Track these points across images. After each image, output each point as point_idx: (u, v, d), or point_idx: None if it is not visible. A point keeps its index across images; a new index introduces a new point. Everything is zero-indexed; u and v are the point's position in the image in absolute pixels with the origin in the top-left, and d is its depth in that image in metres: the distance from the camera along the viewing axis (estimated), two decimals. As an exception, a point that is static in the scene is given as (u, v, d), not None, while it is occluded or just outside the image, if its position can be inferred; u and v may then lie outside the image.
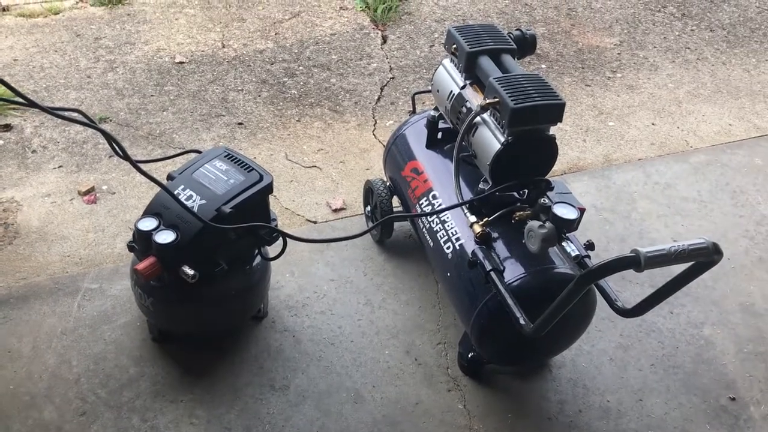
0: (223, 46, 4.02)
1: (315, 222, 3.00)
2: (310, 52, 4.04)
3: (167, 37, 4.05)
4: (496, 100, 2.14)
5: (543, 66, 4.12)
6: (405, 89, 3.82)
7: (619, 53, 4.31)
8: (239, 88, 3.71)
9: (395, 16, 4.37)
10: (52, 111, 1.89)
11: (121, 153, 1.95)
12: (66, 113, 2.00)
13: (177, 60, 3.87)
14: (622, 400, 2.44)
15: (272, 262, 2.45)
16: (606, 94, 3.97)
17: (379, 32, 4.26)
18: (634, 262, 1.66)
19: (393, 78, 3.91)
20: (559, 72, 4.09)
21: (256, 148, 3.35)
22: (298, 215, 3.03)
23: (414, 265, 2.83)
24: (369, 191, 2.88)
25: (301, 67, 3.91)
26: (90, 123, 2.00)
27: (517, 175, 2.23)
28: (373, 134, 3.51)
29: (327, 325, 2.57)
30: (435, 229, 2.44)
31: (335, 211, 3.06)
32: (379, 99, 3.75)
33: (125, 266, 2.67)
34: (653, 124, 3.77)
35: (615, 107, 3.87)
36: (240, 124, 3.48)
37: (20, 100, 1.82)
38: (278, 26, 4.23)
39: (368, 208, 2.91)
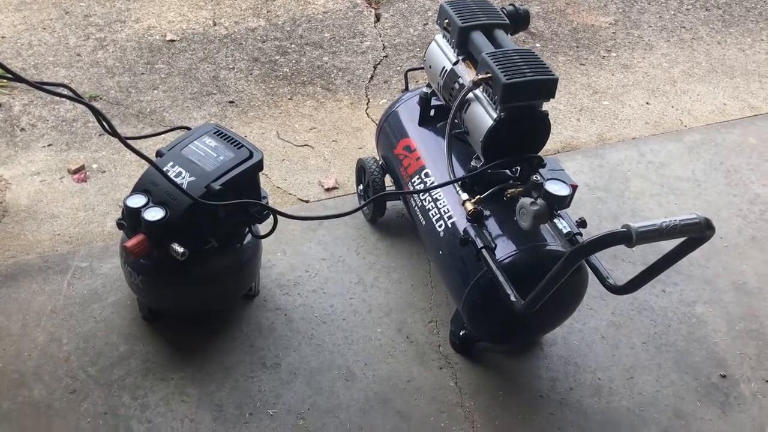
0: (215, 24, 3.98)
1: (307, 201, 2.99)
2: (302, 30, 4.00)
3: (158, 15, 4.00)
4: (489, 75, 2.12)
5: (537, 45, 4.09)
6: (398, 68, 3.79)
7: (614, 32, 4.28)
8: (230, 67, 3.67)
9: (389, -6, 4.32)
10: (39, 86, 1.87)
11: (109, 129, 1.93)
12: (53, 88, 1.97)
13: (168, 38, 3.82)
14: (613, 378, 2.44)
15: (264, 241, 2.44)
16: (600, 73, 3.94)
17: (372, 10, 4.22)
18: (625, 237, 1.64)
19: (386, 56, 3.87)
20: (553, 51, 4.06)
21: (248, 126, 3.32)
22: (290, 194, 3.01)
23: (406, 244, 2.81)
24: (361, 170, 2.86)
25: (293, 45, 3.88)
26: (77, 98, 1.98)
27: (510, 152, 2.21)
28: (366, 113, 3.49)
29: (319, 304, 2.57)
30: (427, 207, 2.42)
31: (327, 190, 3.05)
32: (372, 77, 3.71)
33: (115, 245, 2.66)
34: (648, 103, 3.75)
35: (609, 86, 3.84)
36: (231, 102, 3.45)
37: (7, 75, 1.79)
38: (270, 4, 4.18)
39: (360, 186, 2.90)
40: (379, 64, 3.81)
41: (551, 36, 4.18)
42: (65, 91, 2.04)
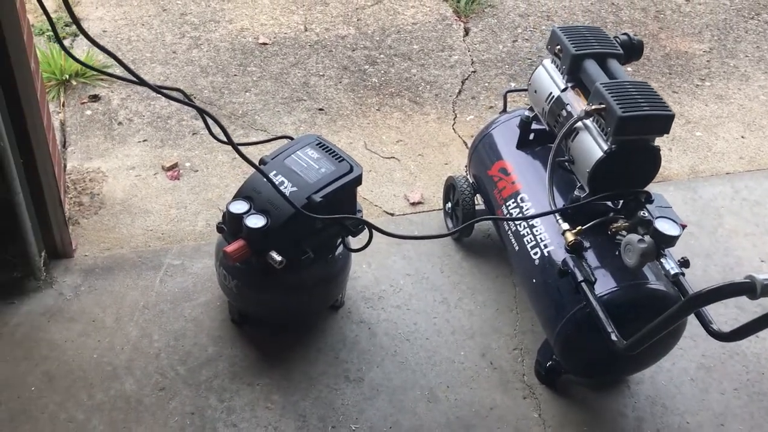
0: (306, 30, 4.01)
1: (392, 214, 2.98)
2: (391, 40, 4.01)
3: (251, 17, 4.06)
4: (602, 106, 2.08)
5: (629, 69, 4.00)
6: (486, 84, 3.76)
7: (708, 60, 4.16)
8: (321, 74, 3.70)
9: (478, 9, 4.29)
10: (157, 90, 1.91)
11: (223, 134, 1.96)
12: (169, 92, 2.01)
13: (260, 41, 3.88)
14: (702, 424, 2.36)
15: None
16: (693, 102, 3.83)
17: (462, 24, 4.20)
18: (749, 289, 1.58)
19: (474, 72, 3.85)
20: (645, 76, 3.97)
21: (336, 135, 3.34)
22: (376, 206, 3.01)
23: (492, 266, 2.78)
24: (451, 187, 2.84)
25: (382, 55, 3.88)
26: (191, 104, 2.02)
27: (616, 184, 2.16)
28: (453, 128, 3.47)
29: (402, 320, 2.56)
30: (522, 233, 2.39)
31: (413, 204, 3.04)
32: (459, 92, 3.69)
33: (206, 245, 2.70)
34: (743, 137, 3.63)
35: (703, 117, 3.73)
36: (321, 110, 3.48)
37: (130, 77, 1.84)
38: (360, 12, 4.20)
39: (448, 204, 2.88)
40: (467, 79, 3.79)
41: (643, 61, 4.08)
42: (180, 96, 2.09)
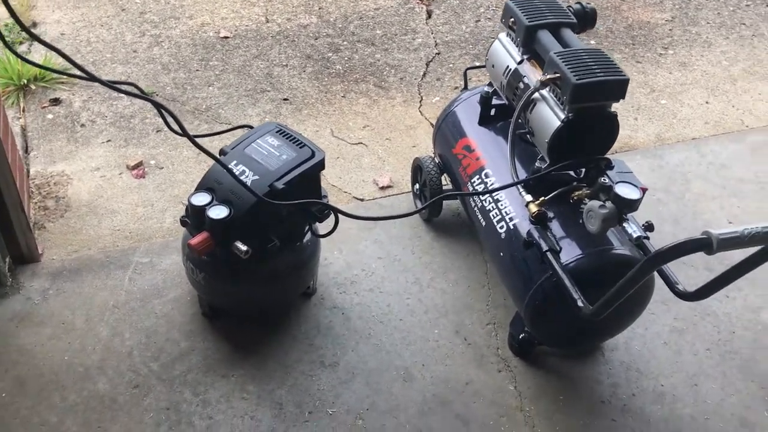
0: (267, 21, 3.99)
1: (362, 199, 2.98)
2: (354, 26, 3.99)
3: (211, 12, 4.02)
4: (557, 75, 2.08)
5: (592, 42, 4.02)
6: (451, 65, 3.76)
7: (670, 29, 4.18)
8: (284, 64, 3.68)
9: (440, -9, 4.28)
10: (110, 85, 1.89)
11: (179, 128, 1.94)
12: (122, 87, 1.99)
13: (222, 35, 3.85)
14: (676, 385, 2.38)
15: (320, 239, 2.44)
16: (658, 71, 3.85)
17: (424, 6, 4.19)
18: (705, 244, 1.59)
19: (438, 53, 3.84)
20: (608, 48, 3.98)
21: (302, 124, 3.33)
22: (345, 192, 3.01)
23: (462, 244, 2.79)
24: (418, 169, 2.84)
25: (345, 42, 3.87)
26: (145, 96, 1.99)
27: (576, 153, 2.17)
28: (419, 111, 3.46)
29: (376, 303, 2.56)
30: (488, 208, 2.39)
31: (382, 188, 3.04)
32: (424, 75, 3.69)
33: (174, 241, 2.68)
34: (707, 102, 3.65)
35: (667, 85, 3.75)
36: (285, 99, 3.46)
37: (79, 73, 1.81)
38: (322, 1, 4.17)
39: (416, 185, 2.88)
40: (431, 61, 3.79)
41: (606, 33, 4.10)
42: (134, 90, 2.06)
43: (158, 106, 1.95)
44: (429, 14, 4.15)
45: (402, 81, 3.64)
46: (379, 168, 3.14)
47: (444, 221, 2.88)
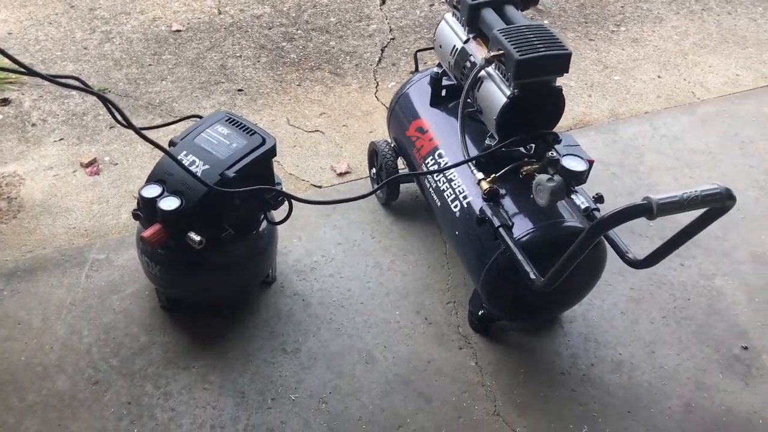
0: (220, 13, 3.96)
1: (320, 186, 2.98)
2: (308, 15, 3.98)
3: (163, 6, 3.98)
4: (501, 52, 2.10)
5: (546, 21, 4.05)
6: (406, 50, 3.76)
7: (622, 6, 4.23)
8: (238, 55, 3.66)
9: (393, -24, 4.28)
10: (51, 78, 1.86)
11: (122, 119, 1.93)
12: (64, 81, 1.96)
13: (174, 28, 3.81)
14: (634, 353, 2.43)
15: (279, 228, 2.44)
16: (610, 48, 3.90)
17: (378, -7, 4.19)
18: (645, 209, 1.63)
19: (393, 39, 3.85)
20: (562, 27, 4.02)
21: (258, 114, 3.31)
22: (303, 180, 3.00)
23: (421, 227, 2.81)
24: (374, 153, 2.85)
25: (299, 31, 3.85)
26: (88, 89, 1.97)
27: (524, 129, 2.19)
28: (376, 96, 3.47)
29: (336, 288, 2.56)
30: (442, 188, 2.41)
31: (340, 175, 3.04)
32: (380, 60, 3.69)
33: (131, 236, 2.66)
34: (659, 76, 3.71)
35: (620, 61, 3.80)
36: (240, 90, 3.44)
37: (19, 68, 1.79)
38: (275, -10, 4.15)
39: (373, 170, 2.88)
40: (386, 47, 3.79)
41: (559, 12, 4.14)
42: (77, 83, 2.04)
43: (103, 99, 1.92)
44: (383, 0, 4.15)
45: (357, 67, 3.64)
46: (337, 155, 3.14)
47: (402, 205, 2.89)
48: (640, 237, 2.80)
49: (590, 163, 2.09)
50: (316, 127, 3.28)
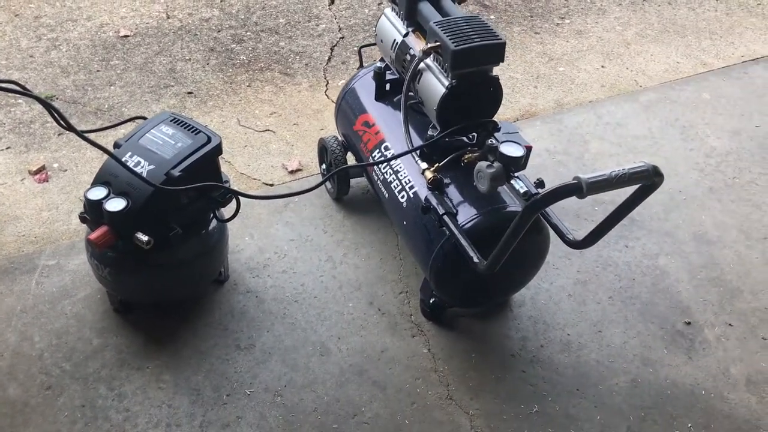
0: (168, 17, 3.95)
1: (272, 184, 3.00)
2: (257, 17, 3.99)
3: (110, 12, 3.96)
4: (438, 44, 2.15)
5: (492, 17, 4.13)
6: (355, 48, 3.80)
7: (566, 0, 4.33)
8: (187, 58, 3.66)
9: (341, -24, 4.32)
10: (-16, 83, 1.86)
11: (62, 122, 1.93)
12: (1, 85, 1.95)
13: (121, 34, 3.79)
14: (582, 333, 2.50)
15: (230, 226, 2.46)
16: (555, 40, 3.99)
17: (326, -7, 4.22)
18: (576, 188, 1.69)
19: (342, 38, 3.88)
20: (508, 22, 4.10)
21: (208, 115, 3.32)
22: (254, 179, 3.02)
23: (373, 220, 2.85)
24: (323, 149, 2.88)
25: (248, 33, 3.87)
26: (26, 92, 1.96)
27: (465, 118, 2.24)
28: (326, 94, 3.50)
29: (289, 284, 2.59)
30: (389, 179, 2.45)
31: (291, 172, 3.06)
32: (329, 59, 3.72)
33: (81, 241, 2.65)
34: (603, 66, 3.81)
35: (565, 53, 3.89)
36: (190, 93, 3.44)
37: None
38: (223, -7, 4.16)
39: (323, 166, 2.92)
40: (336, 45, 3.82)
41: (505, 7, 4.22)
42: (14, 87, 2.03)
43: (43, 103, 1.91)
44: (332, 0, 4.18)
45: (307, 67, 3.67)
46: (288, 153, 3.16)
47: (354, 199, 2.93)
48: (585, 221, 2.87)
49: (528, 149, 2.14)
50: (266, 126, 3.30)
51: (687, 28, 4.13)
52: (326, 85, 3.56)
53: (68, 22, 3.88)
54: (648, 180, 1.76)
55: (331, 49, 3.79)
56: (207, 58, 3.67)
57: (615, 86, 3.67)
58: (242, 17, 3.98)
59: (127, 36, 3.78)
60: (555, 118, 3.41)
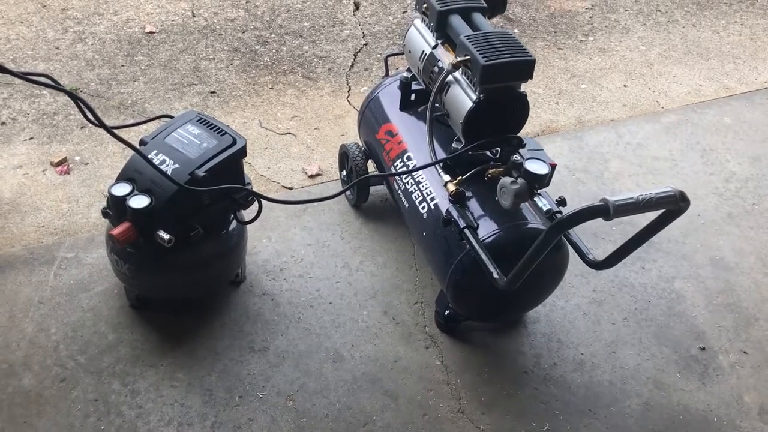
0: (194, 15, 3.97)
1: (291, 188, 3.01)
2: (281, 19, 4.01)
3: (136, 7, 3.98)
4: (467, 57, 2.15)
5: (516, 30, 4.13)
6: (378, 55, 3.81)
7: (591, 17, 4.33)
8: (211, 57, 3.68)
9: (367, -17, 4.33)
10: (21, 75, 1.87)
11: (93, 118, 1.94)
12: (35, 78, 1.97)
13: (147, 30, 3.82)
14: (595, 353, 2.49)
15: (249, 228, 2.47)
16: (578, 57, 3.99)
17: (352, -1, 4.24)
18: (602, 210, 1.69)
19: (366, 44, 3.90)
20: (531, 36, 4.10)
21: (230, 116, 3.33)
22: (274, 182, 3.03)
23: (391, 228, 2.85)
24: (344, 155, 2.89)
25: (273, 35, 3.89)
26: (59, 87, 1.98)
27: (490, 133, 2.25)
28: (348, 100, 3.51)
29: (305, 288, 2.59)
30: (410, 190, 2.45)
31: (311, 177, 3.07)
32: (352, 65, 3.74)
33: (100, 235, 2.67)
34: (625, 86, 3.80)
35: (587, 70, 3.89)
36: (213, 92, 3.46)
37: (-14, 63, 1.80)
38: (249, -6, 4.18)
39: (344, 172, 2.92)
40: (359, 52, 3.84)
41: (529, 21, 4.22)
42: (48, 81, 2.05)
43: (74, 98, 1.94)
44: (357, 6, 4.19)
45: (330, 72, 3.68)
46: (308, 157, 3.17)
47: (372, 207, 2.93)
48: (603, 240, 2.87)
49: (552, 166, 2.15)
50: (288, 129, 3.31)
51: (711, 51, 4.13)
52: (348, 91, 3.57)
53: (95, 16, 3.90)
54: (674, 205, 1.76)
55: (355, 55, 3.80)
56: (231, 58, 3.69)
57: (636, 106, 3.66)
58: (267, 19, 4.00)
59: (153, 32, 3.81)
60: (576, 135, 3.41)
